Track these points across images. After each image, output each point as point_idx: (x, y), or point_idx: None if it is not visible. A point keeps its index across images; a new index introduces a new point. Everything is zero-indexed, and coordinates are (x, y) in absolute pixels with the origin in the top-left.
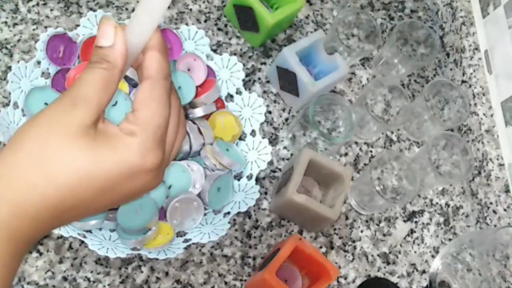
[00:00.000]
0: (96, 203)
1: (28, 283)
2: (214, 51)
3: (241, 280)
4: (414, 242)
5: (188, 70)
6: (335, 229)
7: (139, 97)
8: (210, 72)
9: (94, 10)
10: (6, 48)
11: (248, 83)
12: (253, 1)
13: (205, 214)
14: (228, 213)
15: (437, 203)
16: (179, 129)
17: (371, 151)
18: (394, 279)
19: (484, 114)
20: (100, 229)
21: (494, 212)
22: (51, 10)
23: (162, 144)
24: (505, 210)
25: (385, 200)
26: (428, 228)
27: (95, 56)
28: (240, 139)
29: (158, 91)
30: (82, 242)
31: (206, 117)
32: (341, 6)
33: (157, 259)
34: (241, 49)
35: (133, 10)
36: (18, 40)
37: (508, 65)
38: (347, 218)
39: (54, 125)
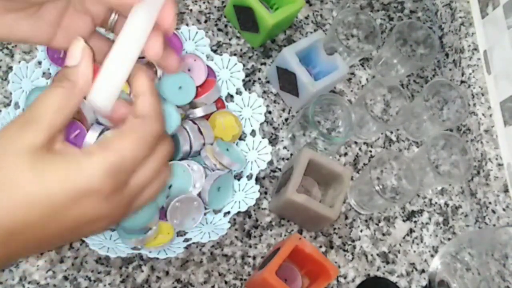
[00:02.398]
0: (44, 230)
1: (29, 283)
2: (214, 51)
3: (241, 279)
4: (413, 241)
5: (189, 70)
6: (334, 229)
7: (121, 128)
8: (210, 72)
9: None
10: (7, 48)
11: (248, 83)
12: (253, 2)
13: (205, 214)
14: (228, 212)
15: (436, 202)
16: (157, 179)
17: (370, 151)
18: (393, 279)
19: (483, 114)
20: None
21: (493, 211)
22: None
23: (121, 177)
24: (504, 209)
25: (385, 199)
26: (427, 228)
27: (59, 75)
28: (240, 139)
29: (142, 130)
30: (83, 241)
31: (206, 117)
32: (341, 6)
33: (157, 258)
34: (241, 50)
35: None
36: None
37: (507, 65)
38: (346, 217)
39: (4, 144)
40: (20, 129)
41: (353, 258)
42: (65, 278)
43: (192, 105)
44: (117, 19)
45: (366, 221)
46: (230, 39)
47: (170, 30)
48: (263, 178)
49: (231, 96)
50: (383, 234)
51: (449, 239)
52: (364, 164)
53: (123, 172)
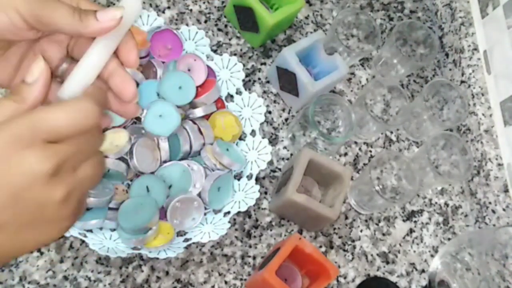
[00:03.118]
0: None
1: (29, 282)
2: (214, 51)
3: (241, 279)
4: (413, 241)
5: (189, 70)
6: (334, 229)
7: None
8: (210, 72)
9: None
10: None
11: (248, 83)
12: (253, 2)
13: (205, 214)
14: (228, 212)
15: (436, 202)
16: (91, 159)
17: (370, 151)
18: (393, 279)
19: (483, 114)
20: (101, 228)
21: (493, 211)
22: None
23: (47, 129)
24: (504, 209)
25: (385, 199)
26: (427, 228)
27: (15, 87)
28: (240, 139)
29: (81, 102)
30: (83, 241)
31: (206, 117)
32: (341, 6)
33: (157, 258)
34: (241, 50)
35: None
36: None
37: (507, 65)
38: (346, 217)
39: None
40: None
41: (353, 258)
42: (65, 278)
43: (192, 105)
44: (66, 69)
45: (366, 221)
46: (230, 39)
47: (134, 66)
48: (263, 178)
49: (231, 96)
50: (383, 234)
51: (449, 239)
52: (364, 164)
53: (52, 128)
